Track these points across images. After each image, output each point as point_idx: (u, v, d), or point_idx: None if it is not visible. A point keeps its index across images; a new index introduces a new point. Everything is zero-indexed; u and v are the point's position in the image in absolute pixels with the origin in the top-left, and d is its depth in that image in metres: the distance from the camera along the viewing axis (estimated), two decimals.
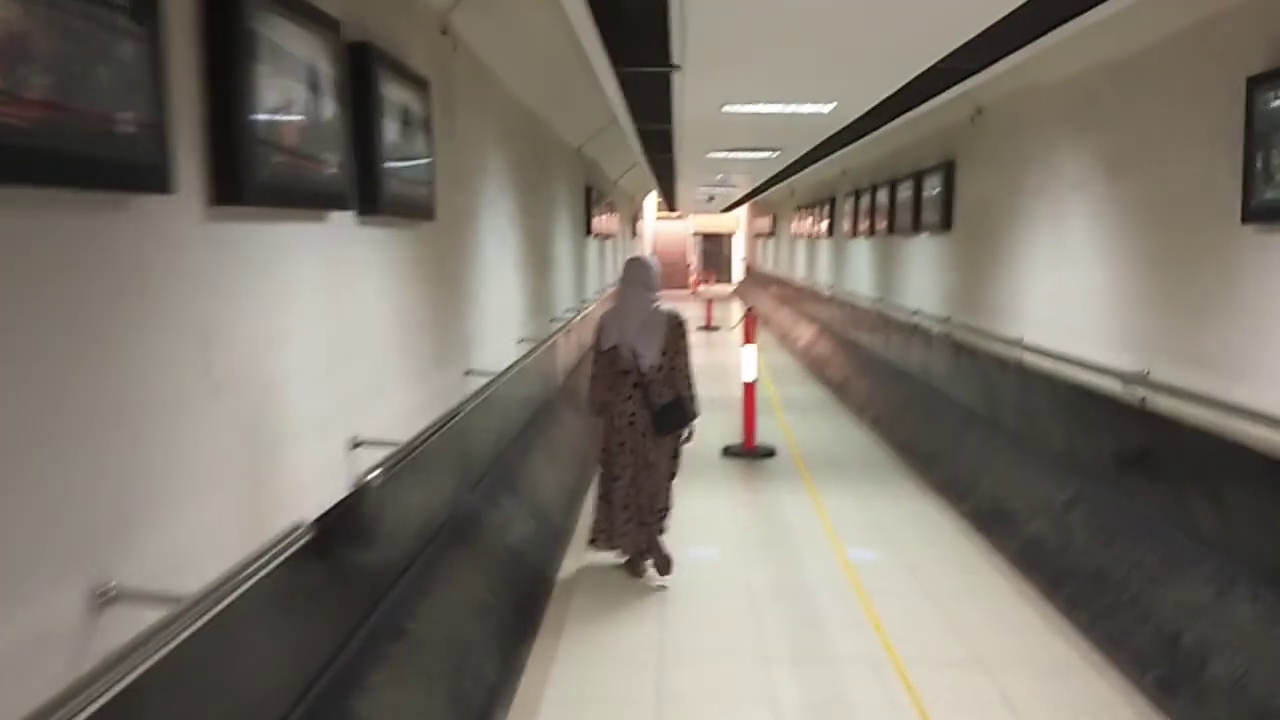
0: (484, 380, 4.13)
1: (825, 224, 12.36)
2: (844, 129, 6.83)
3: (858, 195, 10.14)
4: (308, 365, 2.39)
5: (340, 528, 2.46)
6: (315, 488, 2.39)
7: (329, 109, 2.33)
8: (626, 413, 4.29)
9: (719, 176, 11.00)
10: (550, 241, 6.95)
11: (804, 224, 14.55)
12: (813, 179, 13.24)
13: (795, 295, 15.63)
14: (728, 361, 12.45)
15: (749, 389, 6.83)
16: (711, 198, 16.34)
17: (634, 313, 4.28)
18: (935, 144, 7.28)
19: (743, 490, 6.04)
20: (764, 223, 21.56)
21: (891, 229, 8.53)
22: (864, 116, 6.04)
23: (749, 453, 6.80)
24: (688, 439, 4.50)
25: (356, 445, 2.66)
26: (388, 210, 2.81)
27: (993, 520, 5.05)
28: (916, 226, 7.69)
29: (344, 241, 2.62)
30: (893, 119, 6.41)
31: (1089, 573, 4.05)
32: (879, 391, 8.32)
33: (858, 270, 10.36)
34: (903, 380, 7.90)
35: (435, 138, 3.35)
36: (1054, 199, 5.08)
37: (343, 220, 2.60)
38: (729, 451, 6.88)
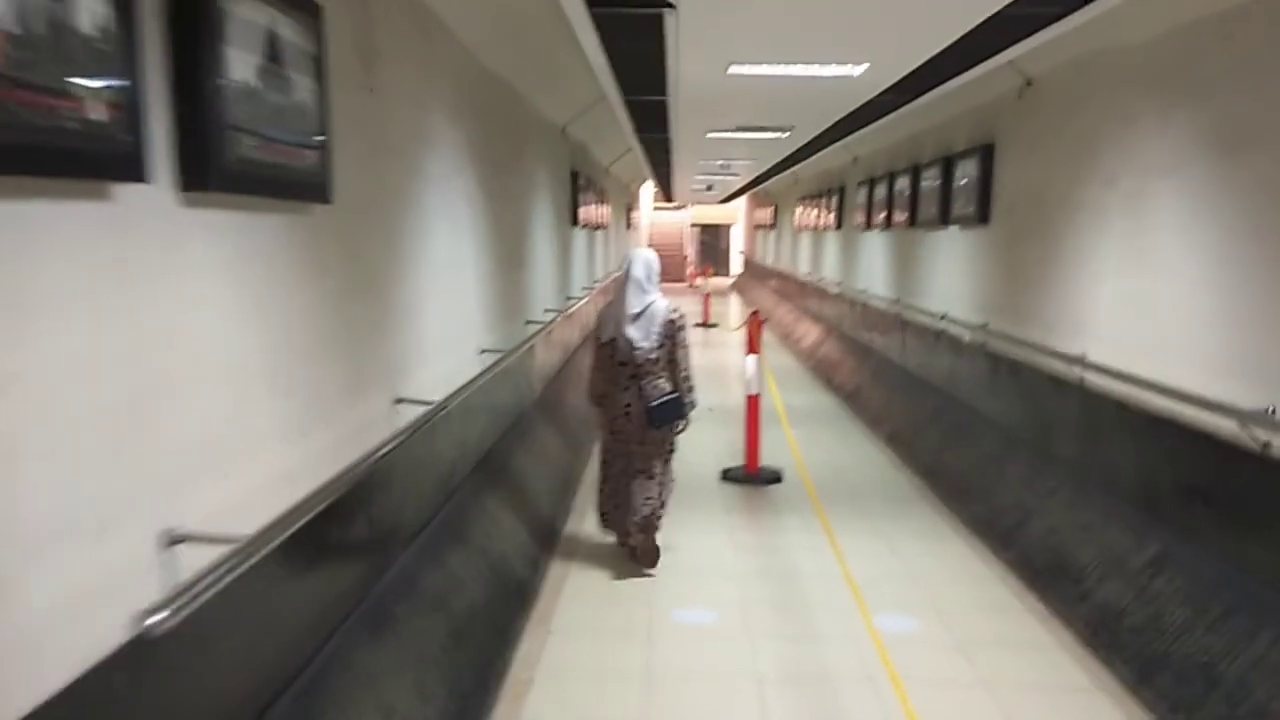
0: (424, 409, 3.22)
1: (833, 215, 11.44)
2: (863, 106, 5.90)
3: (872, 184, 9.22)
4: (63, 428, 1.47)
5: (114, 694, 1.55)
6: (74, 630, 1.48)
7: (92, 7, 1.41)
8: (622, 403, 4.32)
9: (719, 162, 10.05)
10: (527, 232, 6.03)
11: (809, 215, 13.63)
12: (819, 167, 12.32)
13: (798, 291, 14.72)
14: (727, 363, 11.55)
15: (753, 404, 5.92)
16: (710, 186, 15.40)
17: (632, 306, 4.28)
18: (969, 124, 6.36)
19: (745, 527, 5.14)
20: (764, 214, 20.62)
21: (913, 221, 7.62)
22: (894, 88, 5.12)
23: (751, 478, 5.91)
24: (682, 429, 4.50)
25: (175, 542, 1.76)
26: (236, 184, 1.89)
27: (1050, 577, 4.16)
28: (944, 219, 6.78)
29: (148, 231, 1.70)
30: (924, 92, 5.49)
31: (1193, 665, 3.16)
32: (897, 403, 7.42)
33: (870, 266, 9.44)
34: (925, 392, 7.00)
35: (334, 87, 2.42)
36: (1132, 189, 4.17)
37: (147, 199, 1.68)
38: (729, 476, 5.98)
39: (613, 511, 4.45)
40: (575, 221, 8.51)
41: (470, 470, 4.19)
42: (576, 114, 7.66)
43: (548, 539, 4.59)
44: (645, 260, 4.41)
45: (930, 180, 7.11)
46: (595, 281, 10.78)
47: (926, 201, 7.23)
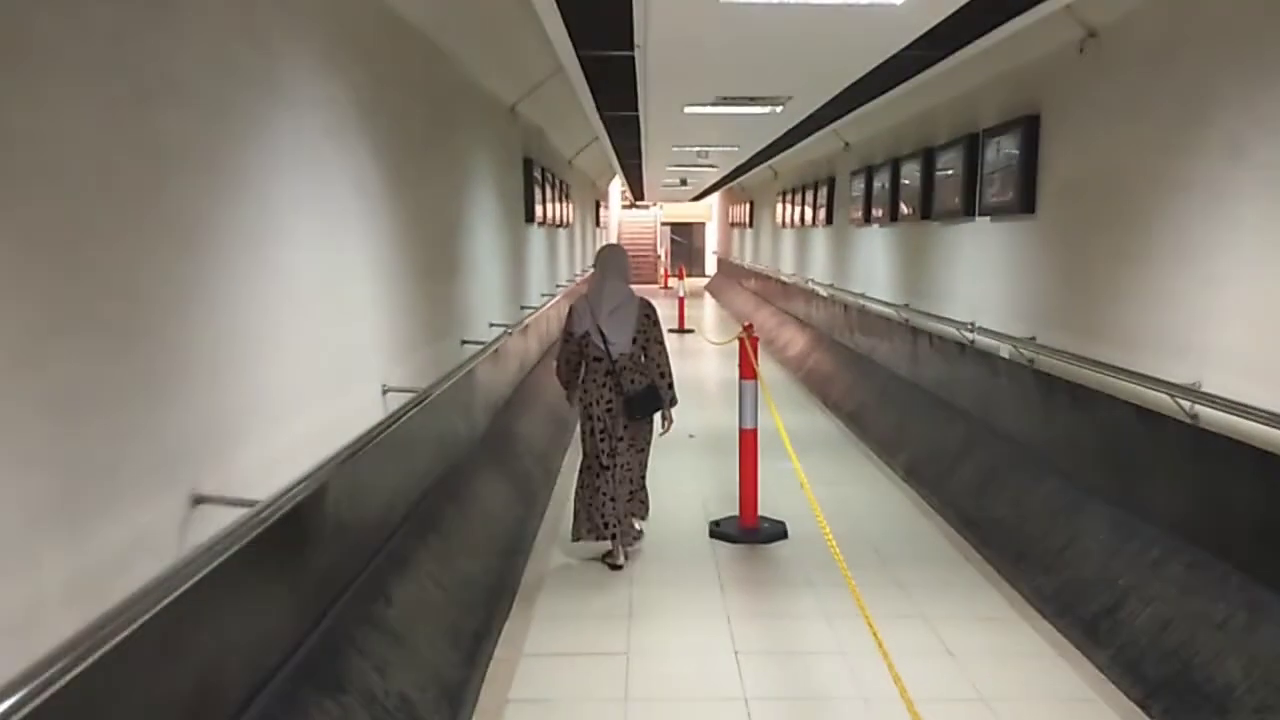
0: (252, 507, 1.99)
1: (821, 210, 10.32)
2: (883, 65, 4.74)
3: (869, 173, 8.09)
4: None
5: None
6: None
7: None
8: (602, 400, 4.26)
9: (696, 149, 8.85)
10: (463, 231, 4.81)
11: (791, 210, 12.50)
12: (802, 158, 11.20)
13: (780, 292, 13.59)
14: (706, 376, 10.37)
15: (749, 442, 4.74)
16: (684, 180, 14.22)
17: (606, 301, 4.24)
18: (1004, 92, 5.23)
19: (747, 613, 3.89)
20: (740, 210, 19.50)
21: (926, 213, 6.49)
22: (930, 36, 3.96)
23: (749, 534, 4.72)
24: (665, 430, 4.46)
25: None
26: None
27: (1176, 697, 3.02)
28: (970, 209, 5.65)
29: None
30: (961, 46, 4.35)
31: None
32: (913, 429, 6.28)
33: (870, 266, 8.31)
34: (950, 417, 5.86)
35: None
36: (1273, 160, 3.04)
37: None
38: (720, 531, 4.79)
39: (596, 516, 4.29)
40: (531, 218, 7.28)
41: (361, 570, 2.96)
42: (529, 90, 6.44)
43: (477, 651, 3.34)
44: (619, 256, 4.41)
45: (949, 164, 5.98)
46: (558, 287, 9.56)
47: (944, 190, 6.10)
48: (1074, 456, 4.31)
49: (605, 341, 4.20)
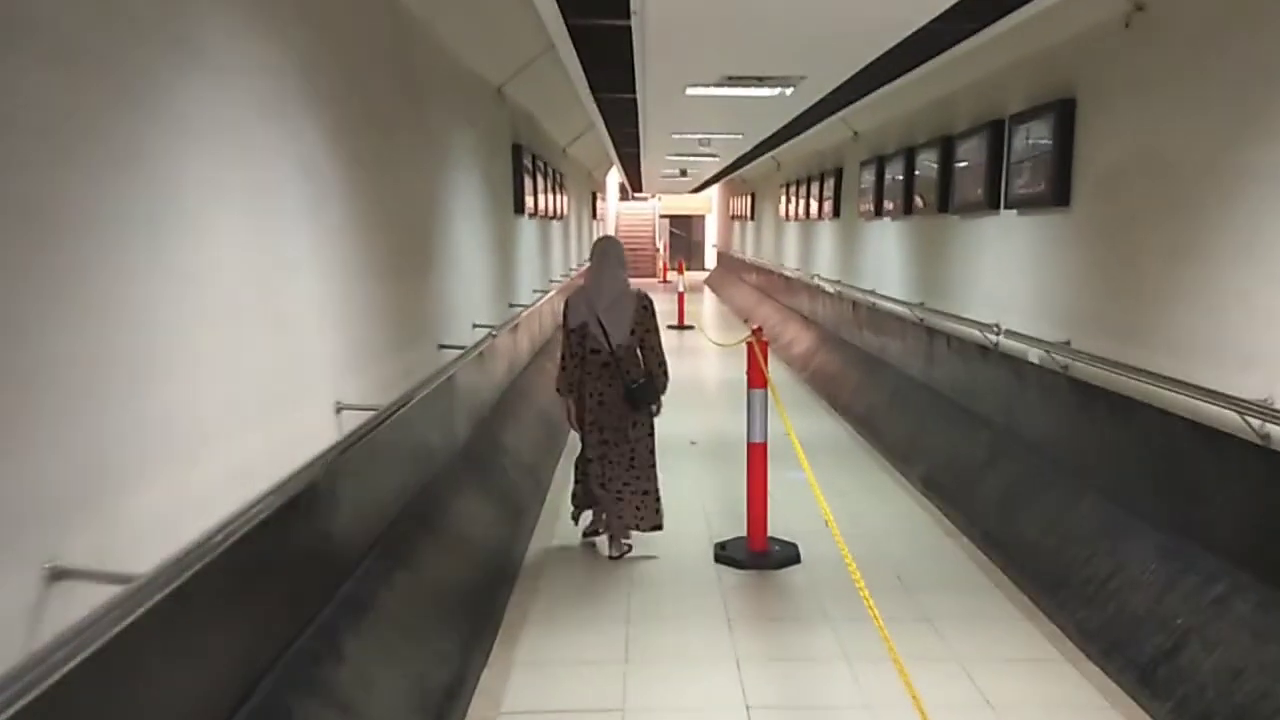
0: (139, 582, 1.57)
1: (828, 203, 9.87)
2: (909, 40, 4.29)
3: (881, 163, 7.65)
4: None
5: None
6: None
7: None
8: (597, 392, 4.26)
9: (698, 137, 8.38)
10: (440, 222, 4.37)
11: (795, 203, 12.06)
12: (807, 148, 10.75)
13: (783, 288, 13.15)
14: (706, 377, 9.94)
15: (758, 457, 4.31)
16: (684, 171, 13.76)
17: (604, 292, 4.24)
18: (1033, 74, 4.79)
19: (759, 655, 3.43)
20: (741, 203, 19.05)
21: (944, 206, 6.05)
22: (960, 9, 3.52)
23: (759, 559, 4.29)
24: (656, 412, 4.43)
25: None
26: None
27: None
28: (994, 202, 5.22)
29: None
30: (994, 21, 3.91)
31: None
32: (931, 436, 5.85)
33: (880, 262, 7.87)
34: (970, 425, 5.44)
35: None
36: None
37: None
38: (726, 554, 4.36)
39: (599, 491, 4.32)
40: (521, 209, 6.84)
41: (306, 624, 2.53)
42: (517, 70, 5.99)
43: (447, 711, 2.91)
44: (616, 247, 4.38)
45: (970, 153, 5.54)
46: (552, 282, 9.12)
47: (965, 180, 5.66)
48: (1115, 474, 3.89)
49: (605, 333, 4.19)
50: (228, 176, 2.14)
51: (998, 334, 5.08)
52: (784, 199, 12.98)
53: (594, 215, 16.32)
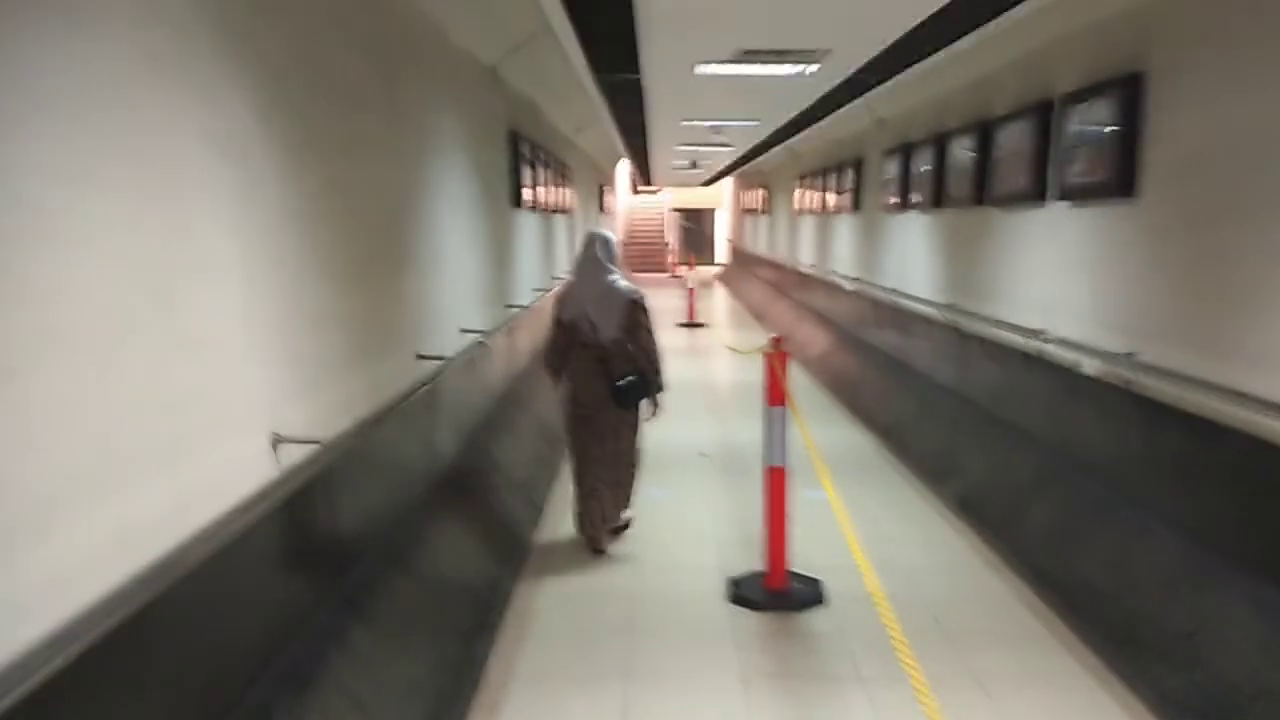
0: None
1: (847, 195, 9.32)
2: (922, 26, 3.75)
3: (907, 152, 7.10)
4: None
5: None
6: None
7: None
8: (585, 387, 4.19)
9: (711, 123, 7.82)
10: (418, 215, 3.87)
11: (811, 196, 11.51)
12: (824, 138, 10.20)
13: (798, 284, 12.60)
14: (718, 379, 9.41)
15: (777, 483, 3.79)
16: (695, 163, 13.22)
17: (590, 288, 4.16)
18: (1092, 48, 4.24)
19: None
20: (754, 196, 18.49)
21: (980, 197, 5.51)
22: None
23: (779, 599, 3.78)
24: (653, 414, 4.31)
25: None
26: None
27: None
28: (1041, 193, 4.67)
29: None
30: None
31: None
32: (968, 452, 5.31)
33: (906, 258, 7.33)
34: (1013, 441, 4.91)
35: None
36: None
37: None
38: (742, 594, 3.83)
39: (589, 510, 4.28)
40: (519, 201, 6.33)
41: (224, 715, 2.04)
42: (513, 48, 5.48)
43: None
44: (604, 239, 4.29)
45: (1012, 139, 5.00)
46: (555, 279, 8.62)
47: (1005, 169, 5.12)
48: (1194, 508, 3.36)
49: (594, 328, 4.13)
50: (95, 152, 1.63)
51: (1045, 341, 4.54)
52: (800, 191, 12.43)
53: (602, 209, 15.80)
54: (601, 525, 4.26)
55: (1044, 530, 4.15)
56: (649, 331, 4.17)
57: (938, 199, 6.34)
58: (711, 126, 7.69)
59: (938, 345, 6.31)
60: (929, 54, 4.86)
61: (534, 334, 7.13)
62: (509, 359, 5.99)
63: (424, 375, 3.63)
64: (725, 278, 22.26)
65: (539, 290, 7.40)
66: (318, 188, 2.70)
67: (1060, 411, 4.44)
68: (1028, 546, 4.16)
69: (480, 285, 5.19)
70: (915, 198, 6.91)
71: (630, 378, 4.11)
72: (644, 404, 4.24)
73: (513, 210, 6.31)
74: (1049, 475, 4.39)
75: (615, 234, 4.42)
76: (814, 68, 4.95)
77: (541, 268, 7.96)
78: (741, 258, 21.20)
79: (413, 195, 3.76)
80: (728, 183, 24.03)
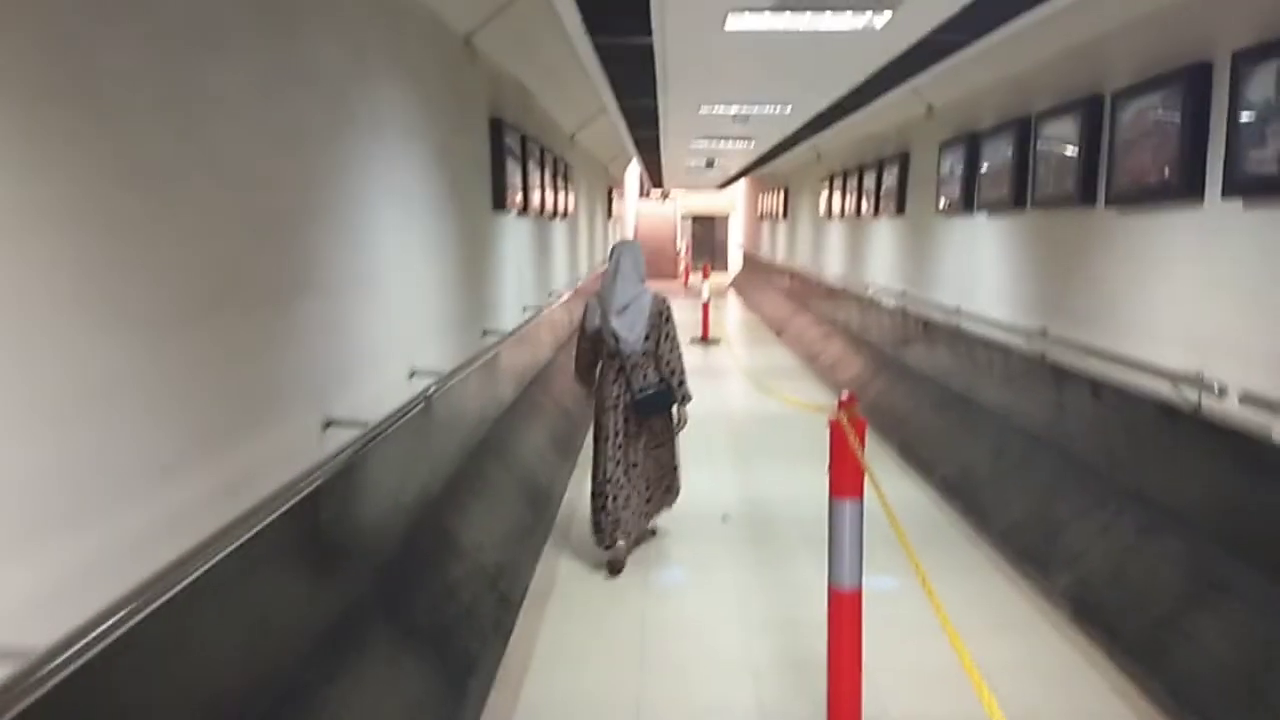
0: None
1: (888, 197, 8.11)
2: None
3: (972, 143, 5.89)
4: None
5: None
6: None
7: None
8: (611, 396, 4.17)
9: (734, 110, 6.58)
10: (339, 219, 2.69)
11: (840, 198, 10.30)
12: (857, 133, 9.01)
13: (824, 296, 11.38)
14: (736, 411, 8.13)
15: (847, 615, 2.58)
16: (711, 162, 12.03)
17: (617, 298, 4.14)
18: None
19: None
20: (771, 200, 17.28)
21: (1088, 196, 4.31)
22: None
23: None
24: (681, 426, 4.30)
25: None
26: None
27: None
28: (1191, 187, 3.47)
29: None
30: None
31: None
32: (1082, 533, 4.07)
33: (971, 271, 6.12)
34: (1150, 521, 3.68)
35: None
36: None
37: None
38: None
39: (605, 520, 4.17)
40: (503, 204, 5.15)
41: None
42: (495, 12, 4.30)
43: None
44: (633, 251, 4.27)
45: (1143, 117, 3.80)
46: (551, 294, 7.44)
47: (1132, 158, 3.91)
48: None
49: (616, 340, 4.09)
50: None
51: (1209, 390, 3.32)
52: (826, 194, 11.21)
53: (609, 214, 14.63)
54: (618, 533, 4.13)
55: (1216, 659, 2.92)
56: (673, 340, 4.19)
57: (1019, 198, 5.14)
58: (735, 115, 6.48)
59: (1020, 380, 5.09)
60: (1031, 5, 3.66)
61: (523, 362, 5.94)
62: (487, 396, 4.81)
63: (343, 447, 2.45)
64: (739, 286, 21.05)
65: (530, 309, 6.21)
66: (103, 169, 1.52)
67: (1236, 495, 3.21)
68: (1195, 684, 2.93)
69: (445, 309, 4.01)
70: (986, 196, 5.71)
71: (650, 390, 4.09)
72: (674, 409, 4.22)
73: (495, 214, 5.13)
74: (1222, 586, 3.16)
75: (639, 245, 4.34)
76: (884, 16, 3.73)
77: (536, 281, 6.78)
78: (756, 265, 19.98)
79: (326, 190, 2.58)
80: (741, 187, 22.86)
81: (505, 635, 3.40)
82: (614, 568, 4.10)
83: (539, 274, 7.01)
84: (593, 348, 4.19)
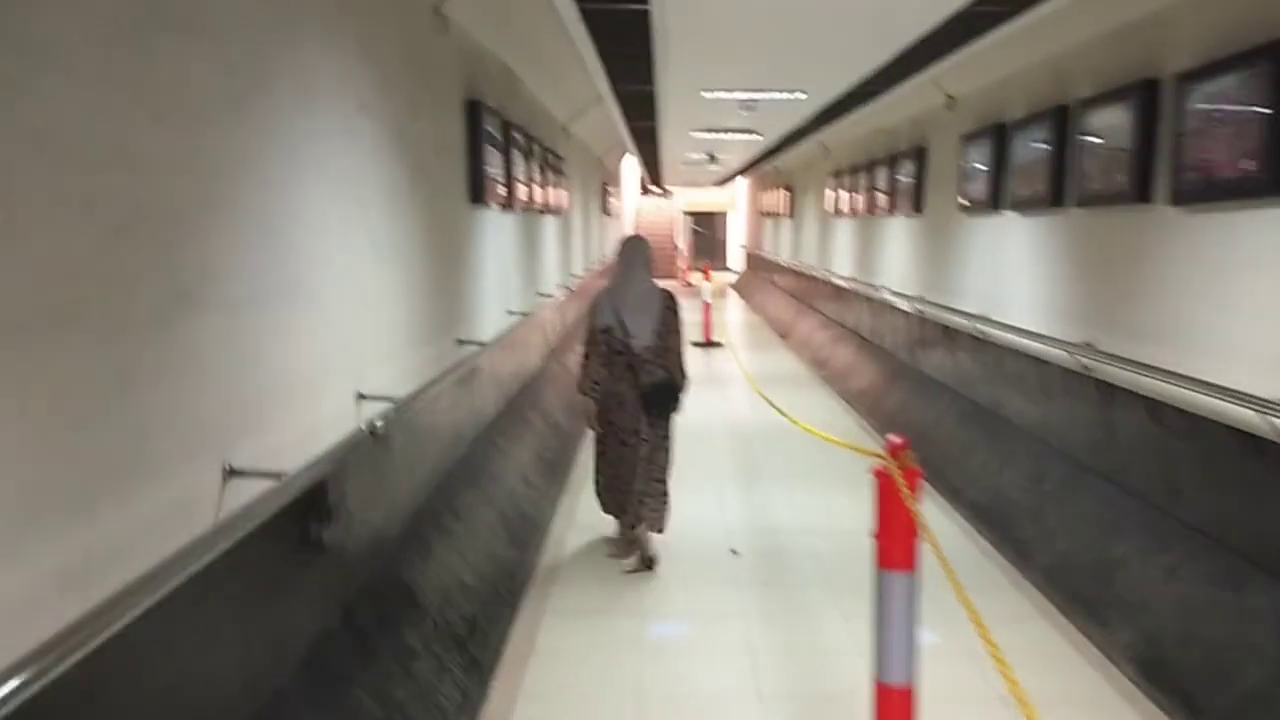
0: None
1: (904, 194, 7.57)
2: None
3: (1000, 134, 5.35)
4: None
5: None
6: None
7: None
8: (618, 393, 4.14)
9: (741, 96, 5.99)
10: (256, 210, 2.14)
11: (849, 195, 9.76)
12: (870, 127, 8.47)
13: (831, 296, 10.84)
14: (741, 422, 7.56)
15: (897, 713, 2.04)
16: (713, 156, 11.48)
17: (629, 292, 4.18)
18: None
19: None
20: (774, 198, 16.74)
21: (1143, 192, 3.77)
22: None
23: None
24: (676, 409, 4.25)
25: None
26: None
27: None
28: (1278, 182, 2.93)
29: None
30: None
31: None
32: (1139, 579, 3.53)
33: (1000, 276, 5.58)
34: (1218, 565, 3.15)
35: None
36: None
37: None
38: None
39: (612, 501, 4.25)
40: (481, 196, 4.61)
41: None
42: None
43: None
44: (642, 247, 4.33)
45: (1216, 100, 3.26)
46: (542, 296, 6.91)
47: (1198, 150, 3.37)
48: None
49: (626, 334, 4.10)
50: None
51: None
52: (834, 191, 10.67)
53: (605, 210, 14.08)
54: (640, 524, 4.16)
55: None
56: (679, 334, 4.22)
57: (1056, 195, 4.60)
58: (743, 101, 5.93)
59: (1060, 396, 4.55)
60: None
61: (507, 372, 5.41)
62: (463, 413, 4.27)
63: (251, 503, 1.91)
64: (741, 287, 20.52)
65: (516, 313, 5.67)
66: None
67: None
68: None
69: (407, 319, 3.47)
70: (1015, 195, 5.17)
71: (661, 384, 4.10)
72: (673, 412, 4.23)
73: (472, 208, 4.59)
74: None
75: (648, 241, 4.47)
76: None
77: (523, 281, 6.24)
78: (758, 264, 19.43)
79: (229, 176, 2.04)
80: (742, 184, 22.31)
81: (472, 715, 2.86)
82: (647, 562, 4.12)
83: (527, 275, 6.47)
84: (604, 344, 4.14)
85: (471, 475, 4.16)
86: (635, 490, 4.14)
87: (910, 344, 7.33)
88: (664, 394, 4.13)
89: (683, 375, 4.20)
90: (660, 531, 4.23)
